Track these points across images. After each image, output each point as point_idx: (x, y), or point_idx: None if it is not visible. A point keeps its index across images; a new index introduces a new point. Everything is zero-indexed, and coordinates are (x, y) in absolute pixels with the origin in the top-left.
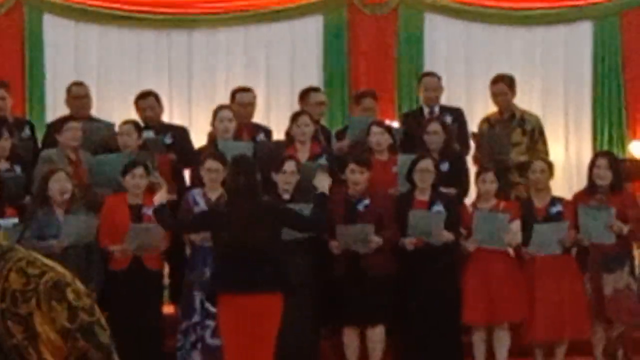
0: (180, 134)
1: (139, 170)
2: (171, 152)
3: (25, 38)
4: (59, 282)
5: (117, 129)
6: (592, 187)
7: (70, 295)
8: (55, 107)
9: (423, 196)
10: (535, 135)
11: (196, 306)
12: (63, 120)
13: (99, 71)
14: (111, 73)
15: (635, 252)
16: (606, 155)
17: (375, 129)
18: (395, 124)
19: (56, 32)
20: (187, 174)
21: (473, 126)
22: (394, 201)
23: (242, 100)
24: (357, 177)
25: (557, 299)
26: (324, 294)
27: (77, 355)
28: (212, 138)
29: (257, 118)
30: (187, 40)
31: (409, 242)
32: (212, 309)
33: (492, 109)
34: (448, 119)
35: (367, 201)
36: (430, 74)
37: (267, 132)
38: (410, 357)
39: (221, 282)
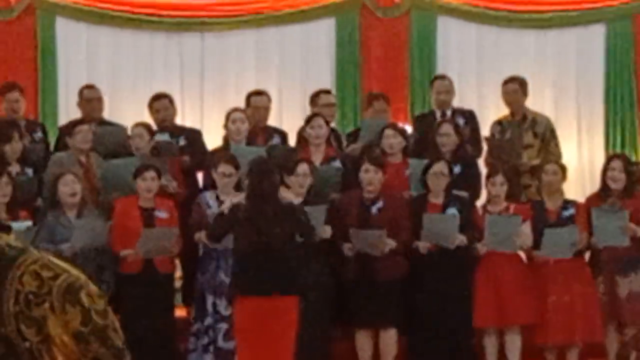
0: (194, 136)
1: (151, 173)
2: (184, 154)
3: (37, 41)
4: (72, 284)
5: (129, 131)
6: (605, 190)
7: (84, 298)
8: (68, 110)
9: (437, 199)
10: (547, 137)
11: (208, 309)
12: (75, 124)
13: (111, 74)
14: (123, 76)
15: None
16: (620, 158)
17: (388, 131)
18: (408, 127)
19: (68, 35)
20: (200, 176)
21: (485, 128)
22: (407, 204)
23: (257, 103)
24: (371, 176)
25: (569, 302)
26: (336, 296)
27: (90, 358)
28: (227, 141)
29: (269, 120)
30: (199, 42)
31: (423, 246)
32: (225, 312)
33: (504, 111)
34: (460, 122)
35: (380, 203)
36: (442, 77)
37: (282, 135)
38: None
39: (241, 285)
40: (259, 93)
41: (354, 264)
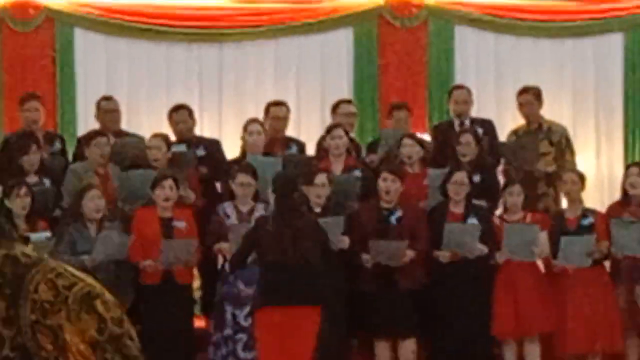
0: (213, 146)
1: (169, 182)
2: (203, 164)
3: (56, 52)
4: (88, 293)
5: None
6: (626, 198)
7: (100, 307)
8: (87, 121)
9: (457, 209)
10: (563, 146)
11: (228, 319)
12: (92, 135)
13: (129, 85)
14: (141, 87)
15: None
16: (639, 165)
17: (406, 141)
18: (426, 136)
19: (87, 46)
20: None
21: (503, 138)
22: (426, 214)
23: (276, 114)
24: (388, 185)
25: (589, 311)
26: (355, 307)
27: None
28: (244, 151)
29: (288, 130)
30: (217, 53)
31: (443, 255)
32: (244, 323)
33: (521, 120)
34: (479, 131)
35: (399, 213)
36: (460, 87)
37: (300, 145)
38: None
39: (265, 296)
40: (278, 103)
41: (372, 274)
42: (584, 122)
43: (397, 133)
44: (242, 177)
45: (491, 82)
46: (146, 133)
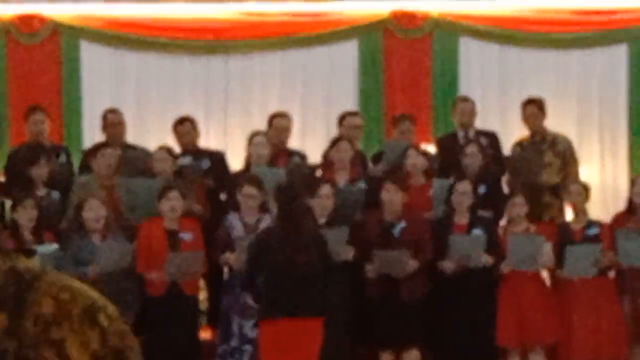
0: (218, 158)
1: (174, 194)
2: (209, 176)
3: (62, 65)
4: (91, 306)
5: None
6: (631, 208)
7: (103, 320)
8: (93, 134)
9: (462, 220)
10: (567, 156)
11: (234, 330)
12: (98, 147)
13: (135, 97)
14: (148, 99)
15: None
16: None
17: (411, 152)
18: (431, 148)
19: (93, 58)
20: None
21: (507, 149)
22: (430, 225)
23: (279, 125)
24: (391, 196)
25: (594, 322)
26: (359, 317)
27: None
28: (249, 162)
29: (293, 142)
30: (223, 65)
31: (448, 266)
32: (250, 334)
33: (526, 131)
34: (483, 143)
35: (402, 224)
36: (465, 99)
37: (302, 158)
38: None
39: (269, 307)
40: (281, 115)
41: (376, 285)
42: (588, 133)
43: (401, 144)
44: (248, 189)
45: (496, 94)
46: (153, 145)
